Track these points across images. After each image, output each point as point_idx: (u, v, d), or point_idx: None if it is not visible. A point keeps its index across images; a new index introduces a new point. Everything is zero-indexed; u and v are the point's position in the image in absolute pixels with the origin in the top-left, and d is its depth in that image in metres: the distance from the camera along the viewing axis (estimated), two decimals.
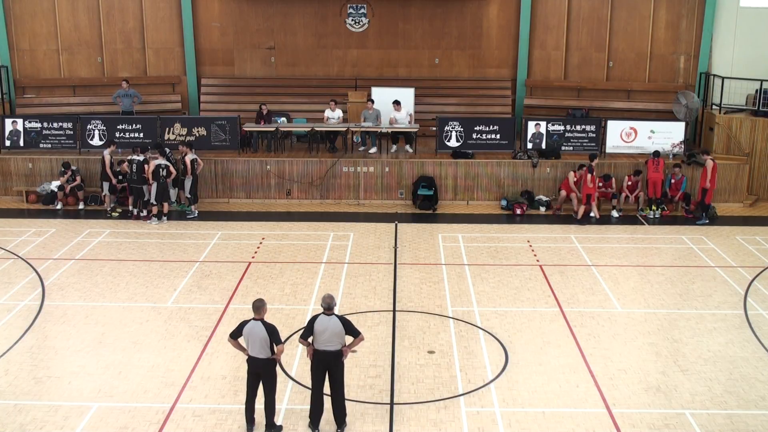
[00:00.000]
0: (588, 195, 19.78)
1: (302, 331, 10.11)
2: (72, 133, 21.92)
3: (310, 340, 10.04)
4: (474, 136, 21.83)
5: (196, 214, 20.04)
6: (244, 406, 10.17)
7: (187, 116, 24.00)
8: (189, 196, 20.04)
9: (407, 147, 22.07)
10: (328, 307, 9.97)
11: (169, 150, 20.27)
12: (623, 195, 20.60)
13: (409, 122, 22.10)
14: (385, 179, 21.39)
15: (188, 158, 19.79)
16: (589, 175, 19.68)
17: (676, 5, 24.82)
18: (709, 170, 19.76)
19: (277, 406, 10.33)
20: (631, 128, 21.90)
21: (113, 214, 20.07)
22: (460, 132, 21.80)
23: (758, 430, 10.36)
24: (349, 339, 10.19)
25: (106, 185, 20.30)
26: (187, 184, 19.97)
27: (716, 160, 20.58)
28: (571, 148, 21.88)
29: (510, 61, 25.96)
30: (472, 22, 25.68)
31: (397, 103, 21.86)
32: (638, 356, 12.41)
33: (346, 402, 10.35)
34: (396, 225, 19.47)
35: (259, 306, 9.94)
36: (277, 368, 10.27)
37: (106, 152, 20.27)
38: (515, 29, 25.58)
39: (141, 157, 19.56)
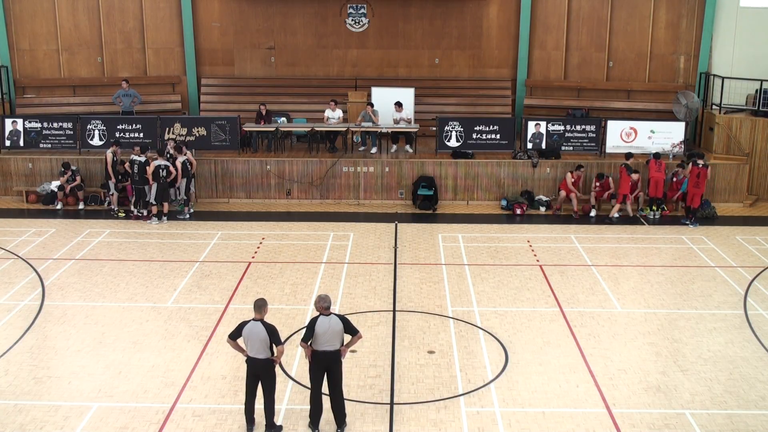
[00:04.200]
0: (624, 195, 20.08)
1: (303, 334, 10.08)
2: (72, 133, 21.92)
3: (308, 342, 10.03)
4: (474, 136, 21.83)
5: (187, 216, 19.96)
6: (243, 407, 10.16)
7: (187, 116, 24.00)
8: (184, 197, 20.04)
9: (407, 147, 22.07)
10: (327, 307, 9.97)
11: (172, 149, 20.31)
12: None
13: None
14: (385, 179, 21.39)
15: (179, 161, 19.68)
16: (635, 175, 20.14)
17: (676, 5, 24.82)
18: (687, 175, 20.03)
19: (277, 406, 10.33)
20: (631, 128, 21.89)
21: (119, 214, 20.05)
22: (460, 132, 21.80)
23: (758, 430, 10.36)
24: (347, 338, 10.19)
25: (111, 184, 20.28)
26: (182, 186, 19.96)
27: (714, 160, 20.69)
28: (571, 148, 21.88)
29: (510, 61, 25.96)
30: (472, 22, 25.68)
31: (398, 104, 21.86)
32: (638, 356, 12.41)
33: (346, 402, 10.35)
34: (396, 225, 19.47)
35: (260, 306, 9.93)
36: (277, 368, 10.27)
37: (109, 151, 20.26)
38: (515, 29, 25.58)
39: (143, 158, 19.57)
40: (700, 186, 19.75)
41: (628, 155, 20.44)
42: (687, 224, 19.70)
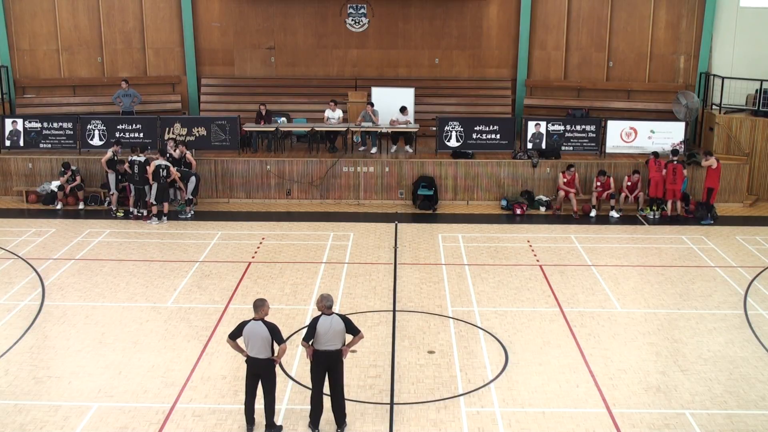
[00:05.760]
0: (674, 191, 20.13)
1: (305, 333, 10.07)
2: (72, 133, 21.92)
3: (310, 341, 10.02)
4: (474, 136, 21.83)
5: (189, 216, 19.95)
6: (243, 407, 10.16)
7: (187, 116, 24.00)
8: (190, 197, 20.06)
9: (407, 147, 22.07)
10: (329, 306, 9.96)
11: (175, 146, 20.33)
12: (623, 195, 20.61)
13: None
14: (385, 179, 21.39)
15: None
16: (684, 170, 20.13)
17: (676, 5, 24.82)
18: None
19: (277, 406, 10.32)
20: (631, 128, 21.90)
21: (118, 214, 20.06)
22: (460, 132, 21.80)
23: (758, 430, 10.36)
24: (348, 337, 10.19)
25: (111, 184, 20.28)
26: (190, 185, 19.99)
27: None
28: (571, 148, 21.88)
29: (510, 61, 25.96)
30: (472, 22, 25.69)
31: (403, 109, 21.81)
32: (638, 356, 12.41)
33: (346, 402, 10.35)
34: (396, 225, 19.47)
35: (259, 306, 9.93)
36: (277, 368, 10.27)
37: (110, 151, 20.27)
38: (515, 29, 25.59)
39: (142, 158, 19.57)
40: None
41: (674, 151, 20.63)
42: (702, 222, 19.79)
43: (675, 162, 20.16)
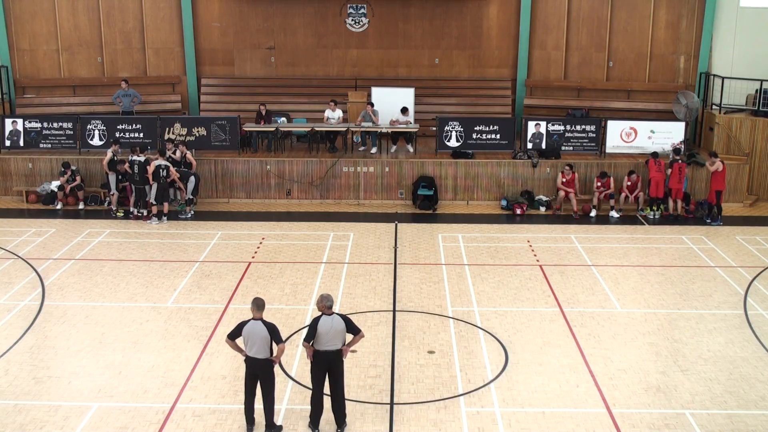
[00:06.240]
0: (677, 190, 20.21)
1: (306, 334, 10.07)
2: (72, 133, 21.92)
3: (311, 342, 10.02)
4: (474, 136, 21.83)
5: (189, 216, 19.97)
6: (243, 407, 10.16)
7: (187, 116, 24.00)
8: (190, 197, 20.08)
9: (408, 147, 22.06)
10: (330, 306, 9.96)
11: (174, 148, 20.33)
12: (623, 195, 20.61)
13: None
14: (385, 179, 21.39)
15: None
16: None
17: (676, 5, 24.82)
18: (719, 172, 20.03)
19: (277, 406, 10.33)
20: (631, 128, 21.90)
21: (118, 214, 20.07)
22: (460, 132, 21.80)
23: (758, 430, 10.36)
24: (349, 337, 10.19)
25: (112, 184, 20.28)
26: (189, 185, 20.01)
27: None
28: (571, 148, 21.88)
29: (510, 61, 25.95)
30: (472, 22, 25.68)
31: (405, 109, 21.82)
32: (638, 356, 12.41)
33: (346, 402, 10.35)
34: (396, 225, 19.47)
35: (260, 305, 9.93)
36: (277, 368, 10.27)
37: (109, 151, 20.28)
38: (515, 29, 25.58)
39: (142, 158, 19.57)
40: None
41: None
42: (710, 222, 19.80)
43: (680, 161, 20.19)
